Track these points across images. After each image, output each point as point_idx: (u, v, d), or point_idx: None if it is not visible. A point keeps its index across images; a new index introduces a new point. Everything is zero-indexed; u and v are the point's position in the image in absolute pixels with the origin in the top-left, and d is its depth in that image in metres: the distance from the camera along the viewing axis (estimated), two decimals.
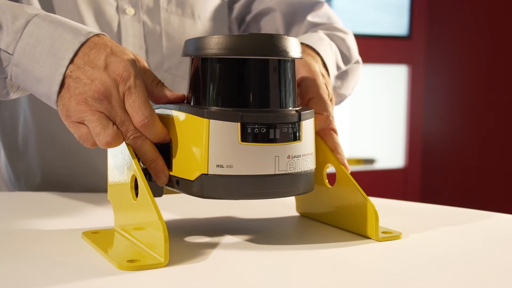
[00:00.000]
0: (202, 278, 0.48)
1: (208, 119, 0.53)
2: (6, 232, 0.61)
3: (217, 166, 0.53)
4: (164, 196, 0.61)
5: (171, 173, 0.57)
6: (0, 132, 0.92)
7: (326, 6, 0.94)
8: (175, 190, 0.58)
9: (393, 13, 2.57)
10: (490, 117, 2.71)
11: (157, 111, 0.59)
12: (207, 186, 0.54)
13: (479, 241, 0.59)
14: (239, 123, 0.53)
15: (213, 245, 0.56)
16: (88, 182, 0.87)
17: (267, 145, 0.54)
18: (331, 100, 0.67)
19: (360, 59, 0.91)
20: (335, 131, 0.65)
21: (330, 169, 0.63)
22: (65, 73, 0.57)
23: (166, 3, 0.87)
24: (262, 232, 0.62)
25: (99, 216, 0.69)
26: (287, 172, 0.55)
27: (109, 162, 0.59)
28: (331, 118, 0.64)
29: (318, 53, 0.74)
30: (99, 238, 0.57)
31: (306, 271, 0.50)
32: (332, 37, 0.85)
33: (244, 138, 0.53)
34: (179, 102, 0.59)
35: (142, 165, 0.58)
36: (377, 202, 0.60)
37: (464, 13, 2.70)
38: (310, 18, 0.91)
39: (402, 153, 2.64)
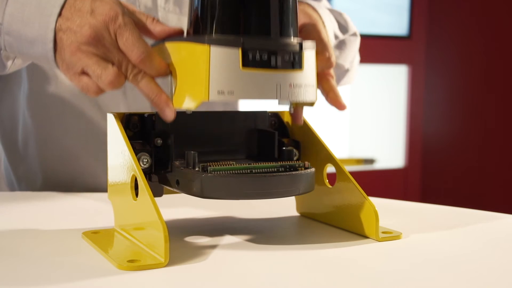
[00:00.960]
0: (202, 278, 0.48)
1: (208, 45, 0.53)
2: (6, 232, 0.61)
3: (218, 92, 0.53)
4: (164, 196, 0.61)
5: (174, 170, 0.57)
6: (0, 134, 0.92)
7: (324, 1, 0.96)
8: (175, 190, 0.58)
9: (393, 13, 2.57)
10: (490, 117, 2.71)
11: (159, 45, 0.59)
12: (207, 186, 0.54)
13: (479, 241, 0.59)
14: (240, 49, 0.53)
15: (213, 245, 0.56)
16: (88, 184, 0.87)
17: (269, 71, 0.53)
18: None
19: (358, 32, 0.93)
20: (332, 76, 0.66)
21: (330, 169, 0.63)
22: (55, 28, 0.57)
23: (164, 1, 0.87)
24: (262, 232, 0.62)
25: (99, 216, 0.69)
26: (288, 101, 0.55)
27: (109, 162, 0.59)
28: (332, 60, 0.65)
29: (318, 14, 0.75)
30: (99, 238, 0.57)
31: (306, 271, 0.50)
32: (330, 11, 0.88)
33: (245, 63, 0.53)
34: (178, 35, 0.59)
35: (142, 165, 0.58)
36: (377, 202, 0.60)
37: (464, 13, 2.70)
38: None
39: (402, 153, 2.64)
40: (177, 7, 0.88)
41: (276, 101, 0.63)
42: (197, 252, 0.54)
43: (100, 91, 0.57)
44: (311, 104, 0.60)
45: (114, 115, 0.58)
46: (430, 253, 0.55)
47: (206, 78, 0.53)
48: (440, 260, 0.53)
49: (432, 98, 2.69)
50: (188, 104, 0.55)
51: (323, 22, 0.74)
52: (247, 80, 0.53)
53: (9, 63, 0.65)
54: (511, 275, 0.50)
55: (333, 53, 0.66)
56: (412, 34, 2.58)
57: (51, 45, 0.57)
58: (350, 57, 0.92)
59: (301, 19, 0.68)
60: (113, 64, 0.56)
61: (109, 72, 0.55)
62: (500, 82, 2.70)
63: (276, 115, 0.66)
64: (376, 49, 2.50)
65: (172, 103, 0.56)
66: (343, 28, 0.90)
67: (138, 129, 0.60)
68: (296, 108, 0.64)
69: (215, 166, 0.54)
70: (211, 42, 0.53)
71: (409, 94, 2.60)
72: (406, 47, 2.57)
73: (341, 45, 0.89)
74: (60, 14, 0.57)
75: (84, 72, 0.57)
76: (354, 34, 0.92)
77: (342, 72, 0.93)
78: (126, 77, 0.56)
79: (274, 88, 0.53)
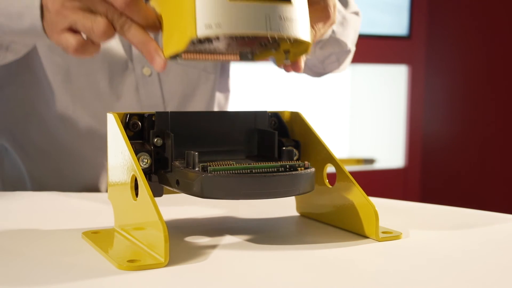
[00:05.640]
0: (202, 278, 0.48)
1: None
2: (6, 232, 0.61)
3: (206, 26, 0.52)
4: (164, 196, 0.61)
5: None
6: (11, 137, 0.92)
7: None
8: (175, 190, 0.58)
9: (393, 13, 2.57)
10: (490, 117, 2.71)
11: None
12: (207, 186, 0.54)
13: (479, 241, 0.59)
14: None
15: (213, 245, 0.56)
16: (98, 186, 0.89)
17: (256, 2, 0.52)
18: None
19: (359, 11, 0.90)
20: (315, 33, 0.62)
21: (330, 169, 0.63)
22: None
23: None
24: (262, 232, 0.62)
25: (99, 216, 0.69)
26: (279, 34, 0.53)
27: (109, 162, 0.59)
28: (329, 9, 0.62)
29: None
30: (99, 238, 0.57)
31: (306, 271, 0.50)
32: None
33: None
34: None
35: (142, 165, 0.58)
36: (377, 202, 0.60)
37: (464, 13, 2.70)
38: None
39: (402, 153, 2.64)
40: None
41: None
42: (197, 252, 0.54)
43: (81, 48, 0.56)
44: (305, 48, 0.58)
45: (114, 115, 0.58)
46: (430, 253, 0.55)
47: (193, 13, 0.52)
48: (441, 260, 0.53)
49: (432, 98, 2.69)
50: (177, 46, 0.54)
51: None
52: (235, 12, 0.52)
53: (1, 53, 0.65)
54: (511, 275, 0.50)
55: (332, 6, 0.62)
56: (412, 34, 2.58)
57: (38, 12, 0.56)
58: (352, 36, 0.88)
59: None
60: (100, 15, 0.55)
61: (100, 23, 0.54)
62: (500, 82, 2.70)
63: (276, 115, 0.66)
64: (376, 49, 2.50)
65: (161, 51, 0.55)
66: (344, 3, 0.87)
67: (138, 129, 0.60)
68: (293, 57, 0.61)
69: (215, 166, 0.54)
70: None
71: (409, 94, 2.60)
72: (406, 47, 2.57)
73: (342, 21, 0.85)
74: None
75: (69, 30, 0.56)
76: (356, 13, 0.89)
77: (344, 52, 0.89)
78: (114, 28, 0.55)
79: (263, 20, 0.52)
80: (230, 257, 0.53)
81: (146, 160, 0.58)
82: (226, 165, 0.55)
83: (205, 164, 0.54)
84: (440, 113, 2.75)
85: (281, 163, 0.56)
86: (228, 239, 0.59)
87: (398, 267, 0.51)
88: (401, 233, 0.60)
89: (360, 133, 2.68)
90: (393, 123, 2.65)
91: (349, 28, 0.87)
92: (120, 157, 0.57)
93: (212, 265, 0.51)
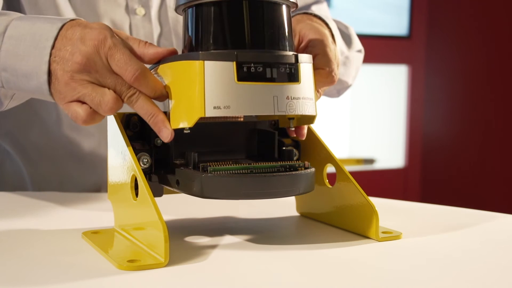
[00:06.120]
0: (202, 278, 0.48)
1: (202, 61, 0.52)
2: (6, 232, 0.61)
3: (214, 107, 0.52)
4: (164, 196, 0.61)
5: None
6: (11, 139, 0.92)
7: (326, 4, 0.96)
8: (175, 190, 0.58)
9: (393, 13, 2.57)
10: (490, 117, 2.71)
11: (152, 71, 0.59)
12: (207, 186, 0.54)
13: (479, 241, 0.59)
14: (234, 62, 0.52)
15: (213, 245, 0.56)
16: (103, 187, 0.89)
17: (265, 84, 0.53)
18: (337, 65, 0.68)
19: (363, 48, 0.91)
20: (319, 96, 0.65)
21: (330, 169, 0.63)
22: (49, 60, 0.56)
23: (173, 1, 0.87)
24: (262, 232, 0.62)
25: (99, 216, 0.69)
26: (286, 114, 0.54)
27: (109, 162, 0.59)
28: (333, 74, 0.64)
29: (327, 25, 0.74)
30: (99, 238, 0.57)
31: (306, 271, 0.50)
32: (336, 23, 0.86)
33: (241, 77, 0.52)
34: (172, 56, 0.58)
35: (142, 165, 0.58)
36: (377, 202, 0.60)
37: (464, 13, 2.70)
38: (315, 8, 0.92)
39: (402, 153, 2.64)
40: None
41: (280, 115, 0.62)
42: (197, 252, 0.54)
43: (89, 119, 0.56)
44: (311, 119, 0.59)
45: (114, 115, 0.58)
46: (430, 253, 0.55)
47: (202, 93, 0.52)
48: (440, 260, 0.53)
49: (432, 98, 2.69)
50: (185, 121, 0.54)
51: (333, 38, 0.72)
52: (243, 94, 0.52)
53: (6, 101, 0.65)
54: (511, 275, 0.50)
55: (336, 70, 0.65)
56: (412, 34, 2.58)
57: (45, 77, 0.57)
58: (353, 73, 0.91)
59: (308, 34, 0.67)
60: (108, 88, 0.55)
61: (107, 97, 0.54)
62: (500, 82, 2.70)
63: None
64: (376, 49, 2.49)
65: (169, 123, 0.56)
66: (348, 43, 0.89)
67: (138, 129, 0.60)
68: (297, 123, 0.63)
69: (215, 166, 0.54)
70: (205, 57, 0.52)
71: (409, 94, 2.60)
72: (406, 47, 2.57)
73: (345, 61, 0.88)
74: (53, 46, 0.57)
75: (77, 100, 0.56)
76: (359, 51, 0.91)
77: (344, 88, 0.92)
78: (122, 100, 0.56)
79: (271, 101, 0.53)
80: (230, 257, 0.53)
81: (146, 160, 0.58)
82: (226, 165, 0.55)
83: (205, 164, 0.54)
84: (440, 113, 2.75)
85: (281, 163, 0.56)
86: (228, 239, 0.59)
87: (398, 267, 0.51)
88: (401, 233, 0.60)
89: (360, 133, 2.68)
90: (393, 123, 2.65)
91: (351, 67, 0.89)
92: (120, 157, 0.57)
93: (212, 265, 0.51)
